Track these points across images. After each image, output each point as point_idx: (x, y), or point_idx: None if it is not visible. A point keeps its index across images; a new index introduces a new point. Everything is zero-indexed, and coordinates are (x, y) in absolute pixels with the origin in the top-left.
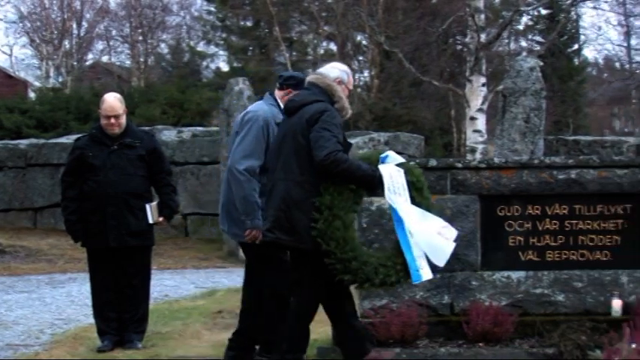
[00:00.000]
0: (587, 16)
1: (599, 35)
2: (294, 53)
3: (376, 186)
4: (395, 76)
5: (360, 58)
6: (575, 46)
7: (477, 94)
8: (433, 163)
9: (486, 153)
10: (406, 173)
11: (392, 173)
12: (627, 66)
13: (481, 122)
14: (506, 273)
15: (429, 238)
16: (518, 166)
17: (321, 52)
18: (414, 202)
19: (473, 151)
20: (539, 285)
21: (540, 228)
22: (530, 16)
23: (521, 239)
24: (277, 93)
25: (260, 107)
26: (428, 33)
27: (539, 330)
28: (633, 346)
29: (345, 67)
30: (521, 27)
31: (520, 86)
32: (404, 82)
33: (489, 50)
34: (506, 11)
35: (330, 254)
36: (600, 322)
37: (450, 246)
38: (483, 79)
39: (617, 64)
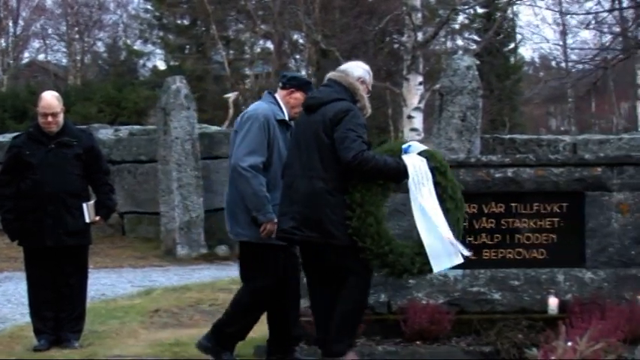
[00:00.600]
0: (524, 15)
1: (535, 34)
2: (231, 52)
3: (403, 178)
4: None
5: (297, 56)
6: (512, 45)
7: (413, 92)
8: None
9: None
10: (429, 159)
11: (415, 163)
12: (563, 65)
13: (418, 121)
14: (443, 271)
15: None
16: (455, 164)
17: (258, 50)
18: (439, 186)
19: None
20: (476, 283)
21: (477, 226)
22: (466, 15)
23: None
24: (280, 92)
25: (259, 106)
26: (365, 32)
27: (476, 328)
28: (569, 344)
29: (367, 67)
30: (457, 26)
31: (457, 85)
32: None
33: (426, 49)
34: (442, 10)
35: (365, 250)
36: (536, 320)
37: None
38: (420, 78)
39: (554, 63)
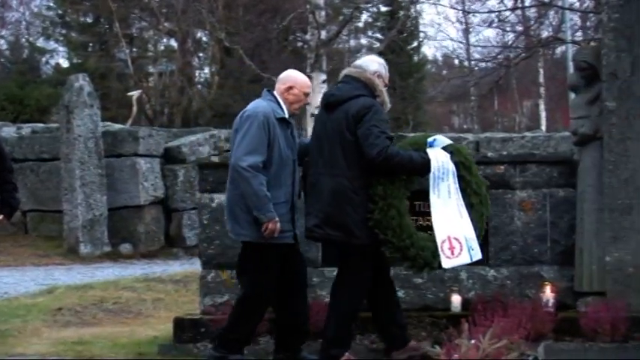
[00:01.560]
0: (427, 14)
1: (438, 32)
2: (135, 49)
3: (428, 172)
4: (235, 72)
5: (201, 54)
6: (415, 44)
7: (317, 91)
8: None
9: None
10: (453, 154)
11: (439, 158)
12: (466, 63)
13: None
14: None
15: (447, 233)
16: None
17: (162, 48)
18: (463, 181)
19: None
20: None
21: None
22: (370, 14)
23: None
24: (278, 89)
25: (259, 104)
26: (268, 30)
27: None
28: (472, 341)
29: (382, 60)
30: (361, 24)
31: None
32: (244, 79)
33: (330, 47)
34: (346, 8)
35: (387, 243)
36: (440, 318)
37: (460, 259)
38: (324, 76)
39: (456, 61)
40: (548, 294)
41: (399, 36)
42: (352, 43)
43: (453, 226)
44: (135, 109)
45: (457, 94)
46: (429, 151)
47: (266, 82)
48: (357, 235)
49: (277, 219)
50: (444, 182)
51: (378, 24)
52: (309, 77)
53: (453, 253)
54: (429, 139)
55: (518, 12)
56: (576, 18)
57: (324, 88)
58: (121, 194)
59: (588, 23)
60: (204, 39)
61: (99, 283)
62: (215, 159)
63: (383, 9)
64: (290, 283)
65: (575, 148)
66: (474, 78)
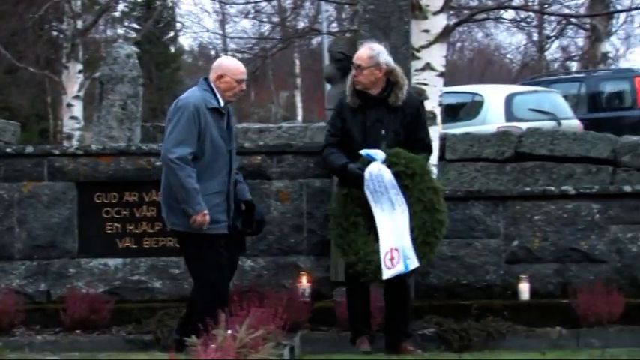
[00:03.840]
0: (184, 4)
1: (195, 23)
2: None
3: (348, 179)
4: None
5: None
6: (172, 34)
7: (73, 80)
8: (30, 150)
9: (83, 140)
10: (393, 165)
11: (372, 171)
12: (222, 54)
13: (78, 109)
14: (103, 260)
15: (390, 245)
16: (116, 153)
17: None
18: (407, 190)
19: (69, 138)
20: (137, 272)
21: (137, 215)
22: (126, 3)
23: (119, 226)
24: (211, 77)
25: (192, 94)
26: (24, 19)
27: (137, 316)
28: (229, 332)
29: (362, 48)
30: (117, 14)
31: (117, 73)
32: None
33: (86, 37)
34: None
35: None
36: None
37: (397, 269)
38: (80, 66)
39: (213, 52)
40: (304, 284)
41: (155, 26)
42: (109, 32)
43: (395, 237)
44: None
45: None
46: (370, 165)
47: (22, 71)
48: None
49: (206, 211)
50: (384, 195)
51: (135, 14)
52: (65, 67)
53: (392, 264)
54: (363, 153)
55: (275, 3)
56: (332, 9)
57: (80, 77)
58: None
59: (344, 15)
60: None
61: None
62: None
63: None
64: None
65: None
66: None
